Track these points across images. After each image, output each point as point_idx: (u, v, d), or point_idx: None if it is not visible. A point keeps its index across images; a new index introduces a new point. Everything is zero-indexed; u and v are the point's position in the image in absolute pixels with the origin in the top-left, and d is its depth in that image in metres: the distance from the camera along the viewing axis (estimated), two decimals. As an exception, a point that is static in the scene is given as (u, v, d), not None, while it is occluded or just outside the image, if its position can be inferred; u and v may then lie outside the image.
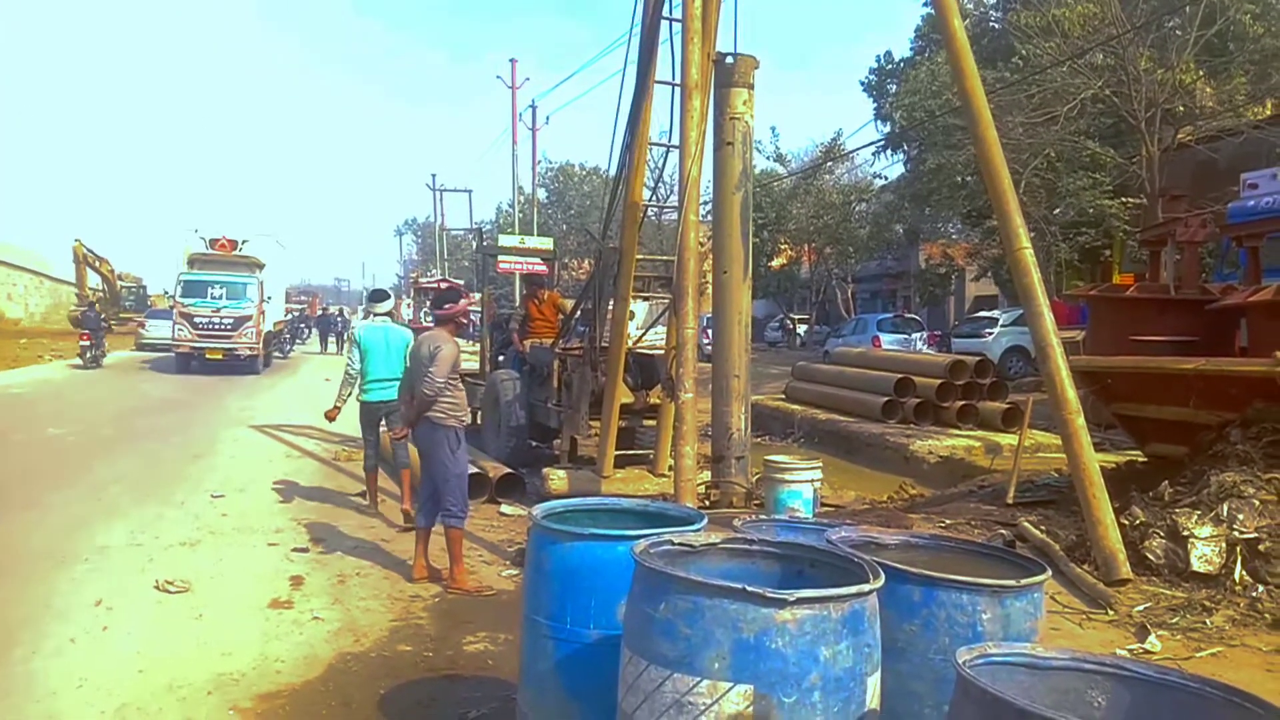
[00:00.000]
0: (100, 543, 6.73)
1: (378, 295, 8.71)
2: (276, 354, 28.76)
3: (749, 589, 2.31)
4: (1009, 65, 19.69)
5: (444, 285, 27.90)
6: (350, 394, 8.04)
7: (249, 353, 22.69)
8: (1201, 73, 18.56)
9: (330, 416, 8.13)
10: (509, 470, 8.82)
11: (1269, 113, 18.61)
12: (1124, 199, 19.05)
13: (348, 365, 7.98)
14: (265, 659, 4.61)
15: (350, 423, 8.65)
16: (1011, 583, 2.75)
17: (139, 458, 10.40)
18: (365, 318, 10.51)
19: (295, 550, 6.70)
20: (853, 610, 2.36)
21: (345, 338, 23.14)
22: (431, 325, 6.39)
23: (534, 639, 3.30)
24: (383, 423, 7.95)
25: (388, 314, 8.30)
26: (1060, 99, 18.33)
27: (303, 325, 40.69)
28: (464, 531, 5.94)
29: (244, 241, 24.75)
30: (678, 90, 7.49)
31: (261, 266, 24.31)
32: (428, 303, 33.93)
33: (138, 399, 16.97)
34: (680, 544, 2.80)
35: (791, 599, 2.29)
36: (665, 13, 7.81)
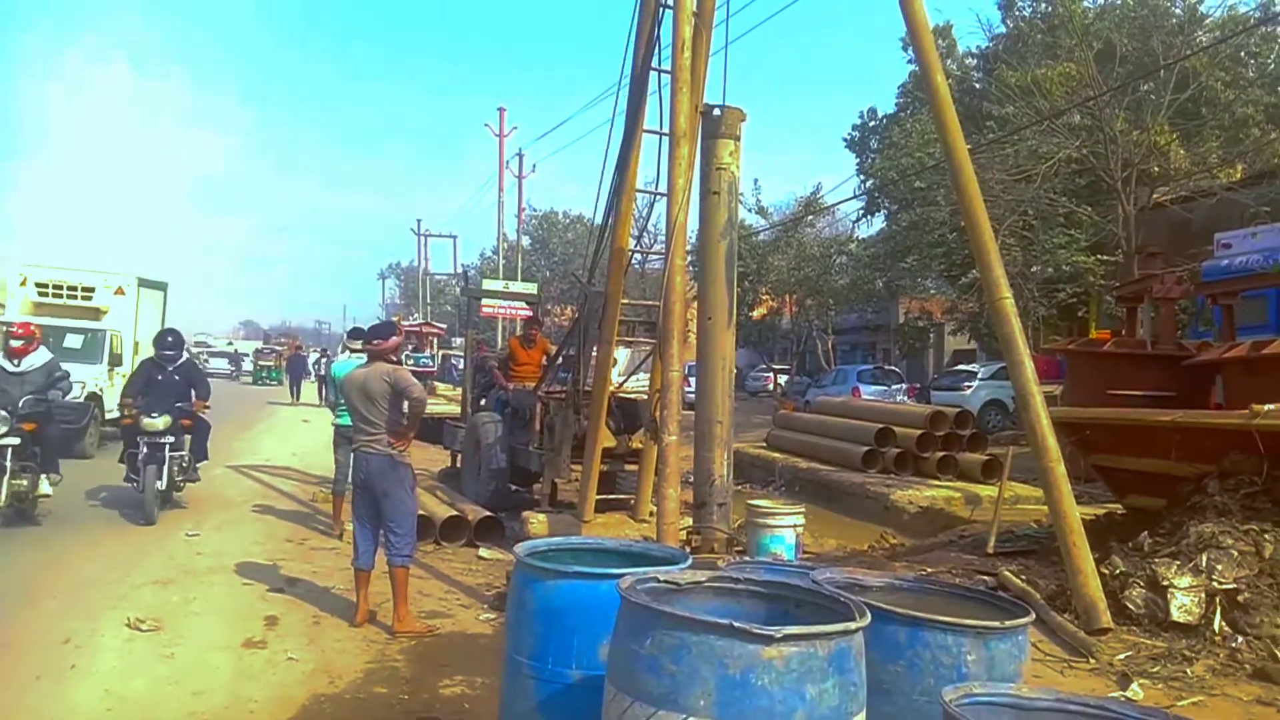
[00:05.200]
0: (71, 580, 6.60)
1: (355, 333, 9.68)
2: None
3: (735, 624, 2.30)
4: (986, 127, 20.11)
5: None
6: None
7: None
8: (1175, 135, 19.05)
9: None
10: (488, 513, 8.76)
11: (1240, 176, 19.07)
12: (1100, 255, 19.37)
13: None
14: (238, 699, 4.52)
15: (327, 464, 9.83)
16: (996, 624, 2.76)
17: (113, 495, 10.24)
18: (343, 352, 11.81)
19: (270, 590, 6.59)
20: (839, 648, 2.36)
21: (324, 380, 22.21)
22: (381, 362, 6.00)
23: (515, 679, 3.25)
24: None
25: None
26: (1037, 158, 18.71)
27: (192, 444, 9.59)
28: (439, 574, 5.87)
29: None
30: (665, 140, 7.61)
31: None
32: (409, 348, 33.99)
33: None
34: (666, 581, 2.79)
35: (778, 635, 2.28)
36: (654, 64, 7.97)
